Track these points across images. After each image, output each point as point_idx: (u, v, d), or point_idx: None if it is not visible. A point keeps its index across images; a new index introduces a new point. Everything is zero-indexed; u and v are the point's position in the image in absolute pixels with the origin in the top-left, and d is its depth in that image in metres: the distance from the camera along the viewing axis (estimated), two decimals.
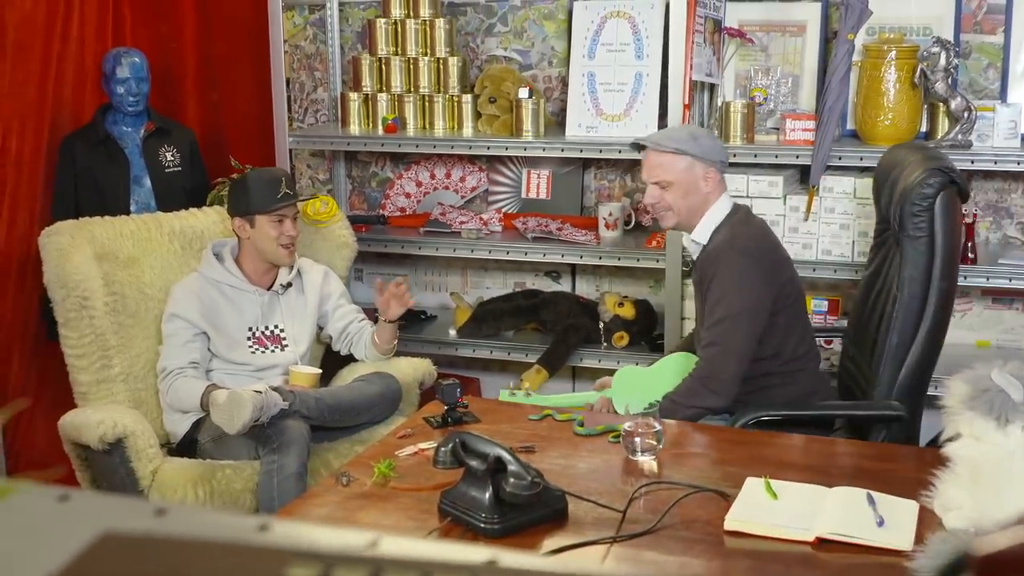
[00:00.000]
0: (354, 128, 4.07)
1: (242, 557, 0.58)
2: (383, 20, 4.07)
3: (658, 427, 2.36)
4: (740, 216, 2.85)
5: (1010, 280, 3.37)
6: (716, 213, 2.83)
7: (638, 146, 2.92)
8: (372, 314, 3.34)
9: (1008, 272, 3.37)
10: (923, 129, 3.52)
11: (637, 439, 2.35)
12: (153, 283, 3.32)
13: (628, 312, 3.84)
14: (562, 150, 3.80)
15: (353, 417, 3.15)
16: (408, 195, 4.35)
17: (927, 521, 2.00)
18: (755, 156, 3.54)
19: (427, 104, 4.03)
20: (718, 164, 2.83)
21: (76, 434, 3.01)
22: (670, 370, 2.90)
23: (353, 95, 4.08)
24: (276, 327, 3.30)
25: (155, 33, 4.08)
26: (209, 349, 3.22)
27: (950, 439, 1.97)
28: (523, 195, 4.20)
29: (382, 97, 4.05)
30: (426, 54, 4.05)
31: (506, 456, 2.03)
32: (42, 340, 3.63)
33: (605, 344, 3.84)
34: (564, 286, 4.23)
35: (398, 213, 4.32)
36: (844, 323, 3.33)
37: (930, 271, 2.67)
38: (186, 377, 3.14)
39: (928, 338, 2.69)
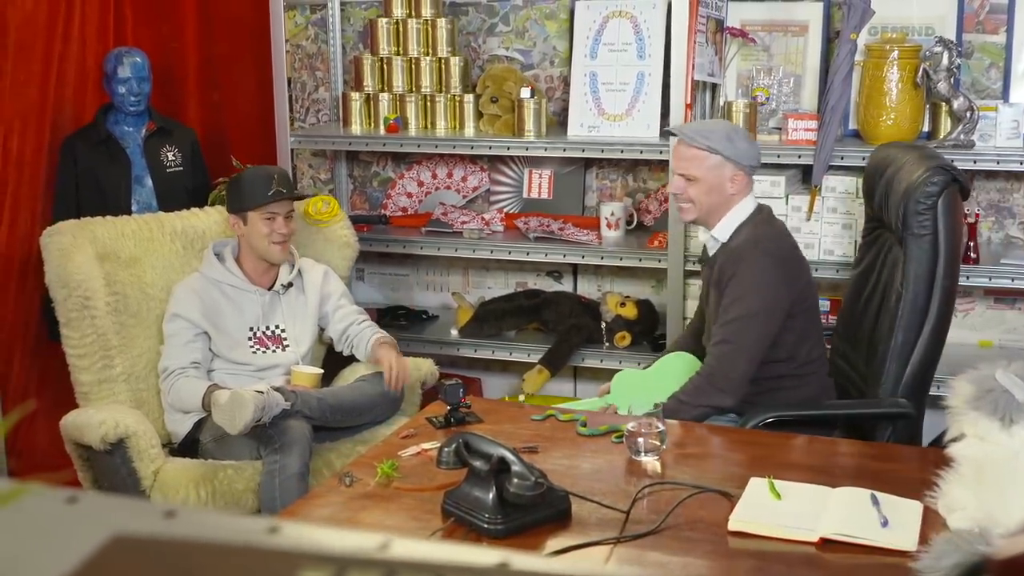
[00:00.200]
0: (356, 128, 4.07)
1: (253, 560, 0.58)
2: (385, 20, 4.07)
3: (661, 427, 2.36)
4: (763, 216, 2.84)
5: (1012, 280, 3.37)
6: (740, 212, 2.81)
7: (670, 134, 2.90)
8: (373, 314, 3.35)
9: (1010, 272, 3.37)
10: (925, 129, 3.51)
11: (640, 439, 2.35)
12: (155, 283, 3.32)
13: (630, 312, 3.84)
14: (564, 150, 3.80)
15: (355, 417, 3.14)
16: (410, 195, 4.35)
17: (931, 521, 2.00)
18: None
19: (429, 104, 4.02)
20: (748, 167, 2.81)
21: (78, 434, 3.00)
22: (670, 370, 2.90)
23: (355, 95, 4.08)
24: (277, 327, 3.29)
25: (156, 33, 4.08)
26: (210, 349, 3.21)
27: (954, 439, 1.97)
28: (525, 195, 4.20)
29: (384, 97, 4.05)
30: (428, 54, 4.04)
31: (510, 456, 2.03)
32: (43, 340, 3.63)
33: (607, 344, 3.84)
34: (566, 286, 4.23)
35: (400, 213, 4.32)
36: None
37: (934, 269, 2.69)
38: (188, 377, 3.14)
39: (932, 336, 2.71)
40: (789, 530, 2.00)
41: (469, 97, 3.97)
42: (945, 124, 3.45)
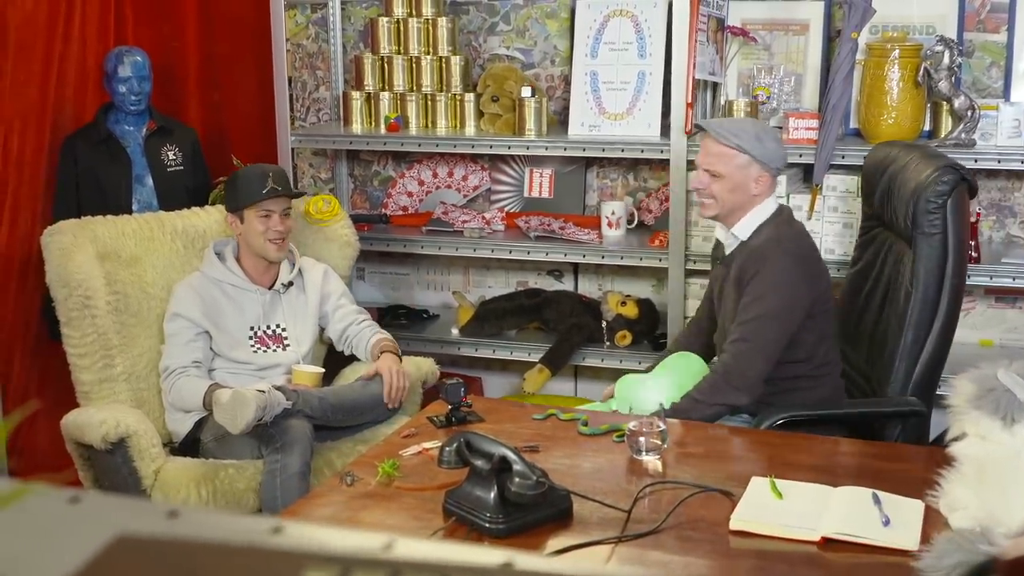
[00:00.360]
0: (356, 127, 4.07)
1: (257, 560, 0.58)
2: (385, 19, 4.07)
3: (662, 427, 2.36)
4: (784, 217, 2.83)
5: (1013, 279, 3.37)
6: (762, 211, 2.79)
7: (699, 128, 2.88)
8: (374, 313, 3.35)
9: (1011, 271, 3.37)
10: (926, 128, 3.51)
11: (641, 439, 2.35)
12: (155, 282, 3.32)
13: (631, 311, 3.84)
14: (565, 149, 3.80)
15: (356, 416, 3.14)
16: (410, 194, 4.35)
17: (933, 521, 2.00)
18: None
19: (429, 103, 4.02)
20: (774, 169, 2.79)
21: (78, 434, 3.00)
22: (674, 371, 2.88)
23: (355, 94, 4.08)
24: (278, 326, 3.29)
25: (157, 32, 4.08)
26: (211, 348, 3.21)
27: (956, 438, 1.97)
28: (525, 194, 4.20)
29: (384, 96, 4.05)
30: (428, 53, 4.04)
31: (511, 456, 2.02)
32: (44, 340, 3.63)
33: (608, 343, 3.83)
34: (567, 285, 4.23)
35: (400, 212, 4.32)
36: None
37: (944, 267, 2.71)
38: (188, 376, 3.14)
39: (941, 334, 2.73)
40: (791, 529, 2.00)
41: (470, 96, 3.97)
42: (946, 123, 3.45)
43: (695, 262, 3.65)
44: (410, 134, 3.97)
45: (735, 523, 2.02)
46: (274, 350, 3.27)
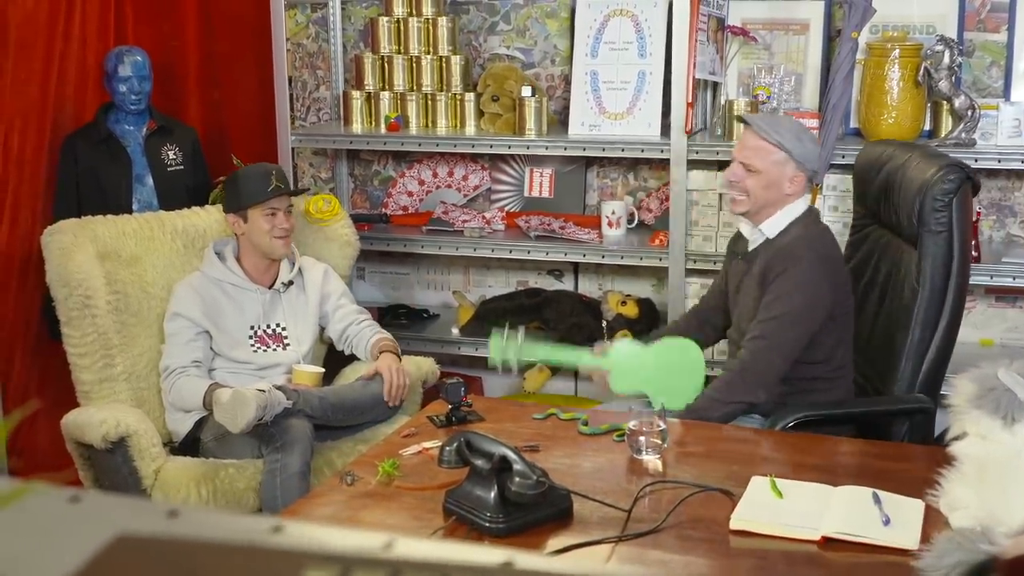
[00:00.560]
0: (356, 127, 4.07)
1: (257, 560, 0.58)
2: (385, 18, 4.07)
3: (663, 426, 2.36)
4: (813, 217, 2.82)
5: (1013, 279, 3.37)
6: (792, 211, 2.77)
7: (742, 120, 2.86)
8: (374, 313, 3.35)
9: (1012, 271, 3.37)
10: (926, 127, 3.51)
11: (642, 438, 2.35)
12: (155, 282, 3.32)
13: (631, 311, 3.84)
14: (565, 148, 3.80)
15: (356, 416, 3.14)
16: (410, 194, 4.35)
17: (933, 520, 1.99)
18: None
19: (430, 102, 4.02)
20: (810, 171, 2.78)
21: (79, 433, 3.00)
22: (671, 365, 2.81)
23: (355, 93, 4.08)
24: (278, 325, 3.30)
25: (157, 32, 4.08)
26: (211, 348, 3.21)
27: (956, 438, 1.97)
28: (526, 193, 4.20)
29: (384, 95, 4.05)
30: (429, 52, 4.04)
31: (511, 455, 2.02)
32: (44, 339, 3.63)
33: (608, 341, 3.83)
34: (567, 285, 4.23)
35: (400, 212, 4.32)
36: None
37: (950, 265, 2.72)
38: (189, 376, 3.14)
39: (947, 331, 2.74)
40: (791, 529, 2.00)
41: (470, 96, 3.96)
42: (946, 122, 3.45)
43: (695, 262, 3.65)
44: (410, 134, 3.96)
45: (735, 522, 2.02)
46: (274, 349, 3.27)
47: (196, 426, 3.14)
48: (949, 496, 2.00)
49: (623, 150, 3.72)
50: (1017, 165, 3.35)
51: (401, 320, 4.12)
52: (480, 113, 3.96)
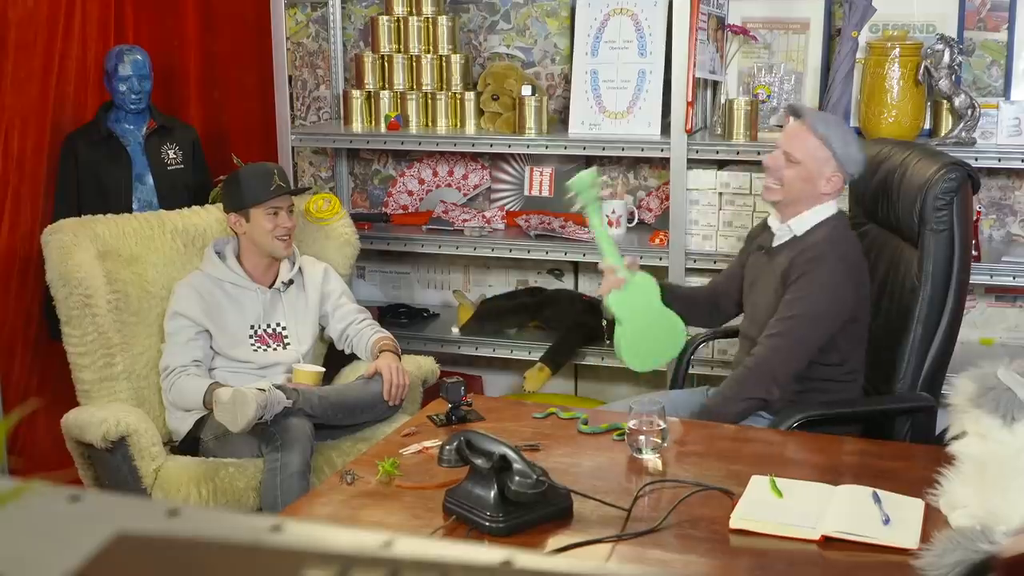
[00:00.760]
0: (356, 126, 4.07)
1: (257, 558, 0.58)
2: (385, 17, 4.07)
3: (663, 425, 2.36)
4: (843, 221, 2.80)
5: (1013, 278, 3.37)
6: (823, 211, 2.76)
7: (794, 111, 2.85)
8: (375, 312, 3.35)
9: (1012, 270, 3.37)
10: (926, 126, 3.51)
11: (642, 437, 2.35)
12: (156, 281, 3.32)
13: None
14: (565, 148, 3.80)
15: (356, 415, 3.14)
16: (411, 193, 4.35)
17: (933, 519, 2.00)
18: (758, 153, 3.53)
19: (430, 101, 4.02)
20: (849, 175, 2.76)
21: (79, 432, 3.00)
22: (661, 332, 2.83)
23: (355, 92, 4.08)
24: (278, 325, 3.30)
25: (157, 31, 4.08)
26: (212, 347, 3.21)
27: (956, 437, 1.97)
28: (526, 192, 4.20)
29: (384, 94, 4.05)
30: (429, 51, 4.04)
31: (511, 454, 2.03)
32: (44, 338, 3.63)
33: (608, 342, 3.83)
34: (567, 284, 4.23)
35: (401, 211, 4.32)
36: None
37: (951, 263, 2.73)
38: (189, 375, 3.14)
39: (948, 330, 2.74)
40: (791, 528, 2.00)
41: (470, 95, 3.96)
42: (946, 121, 3.45)
43: (695, 261, 3.65)
44: (410, 133, 3.96)
45: (735, 522, 2.03)
46: (274, 349, 3.27)
47: (196, 425, 3.14)
48: (949, 495, 2.00)
49: (623, 149, 3.72)
50: (1017, 164, 3.35)
51: (401, 319, 4.12)
52: (480, 112, 3.95)
